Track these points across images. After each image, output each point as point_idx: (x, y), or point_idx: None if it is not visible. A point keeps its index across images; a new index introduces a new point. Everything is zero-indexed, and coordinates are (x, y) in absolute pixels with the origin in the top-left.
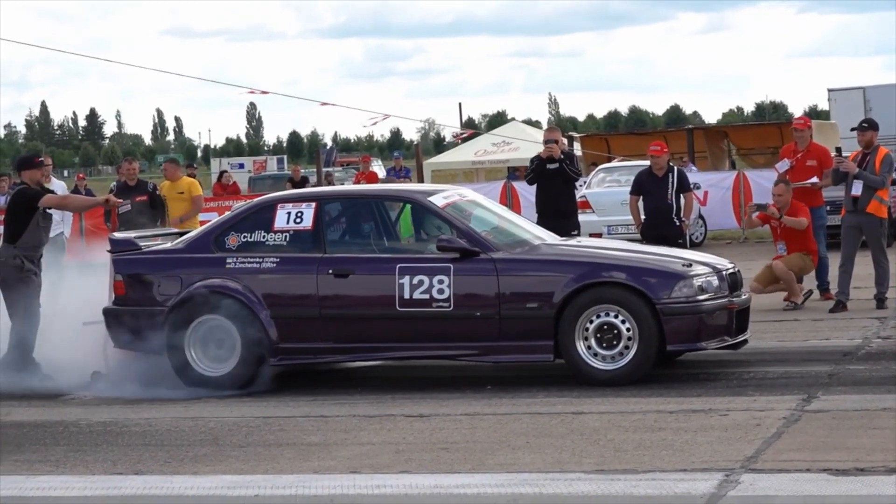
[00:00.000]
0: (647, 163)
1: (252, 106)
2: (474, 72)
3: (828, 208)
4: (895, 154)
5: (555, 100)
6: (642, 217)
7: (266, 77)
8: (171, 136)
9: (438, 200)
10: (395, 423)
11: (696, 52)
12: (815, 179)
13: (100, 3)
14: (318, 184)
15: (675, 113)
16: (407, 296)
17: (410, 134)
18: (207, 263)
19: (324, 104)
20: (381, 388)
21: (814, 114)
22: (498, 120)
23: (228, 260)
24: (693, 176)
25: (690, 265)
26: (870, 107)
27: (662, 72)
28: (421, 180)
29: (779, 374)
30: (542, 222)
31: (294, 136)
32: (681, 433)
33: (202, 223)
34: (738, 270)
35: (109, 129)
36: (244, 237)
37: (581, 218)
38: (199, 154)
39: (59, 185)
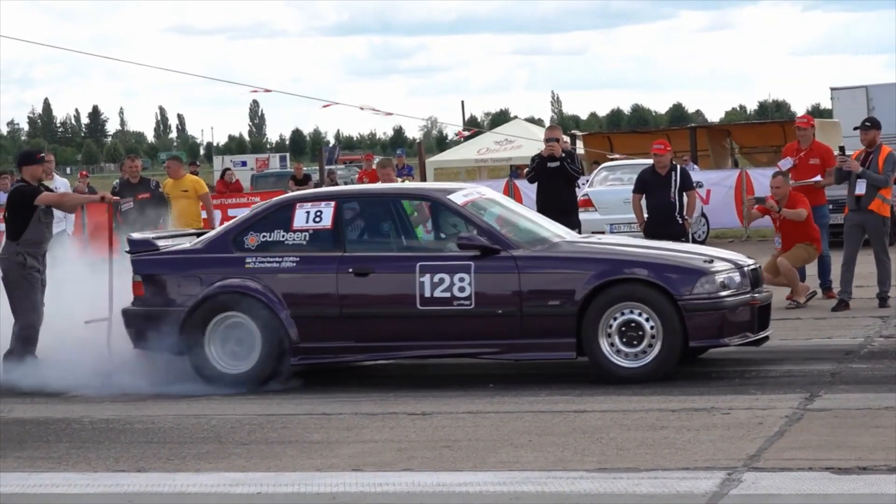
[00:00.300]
0: (650, 161)
1: (255, 104)
2: (477, 70)
3: (830, 207)
4: None
5: (557, 98)
6: (645, 215)
7: (269, 75)
8: (173, 134)
9: (458, 198)
10: (397, 421)
11: (699, 51)
12: (818, 178)
13: (104, 2)
14: (321, 182)
15: (677, 111)
16: (428, 294)
17: (413, 132)
18: (227, 263)
19: (327, 105)
20: (383, 385)
21: (816, 112)
22: (501, 118)
23: (248, 259)
24: (695, 174)
25: (712, 261)
26: (873, 105)
27: (665, 70)
28: (423, 178)
29: (781, 372)
30: None
31: (297, 133)
32: (683, 432)
33: (205, 220)
34: (759, 266)
35: (112, 127)
36: (263, 237)
37: (583, 216)
38: (202, 152)
39: (61, 182)
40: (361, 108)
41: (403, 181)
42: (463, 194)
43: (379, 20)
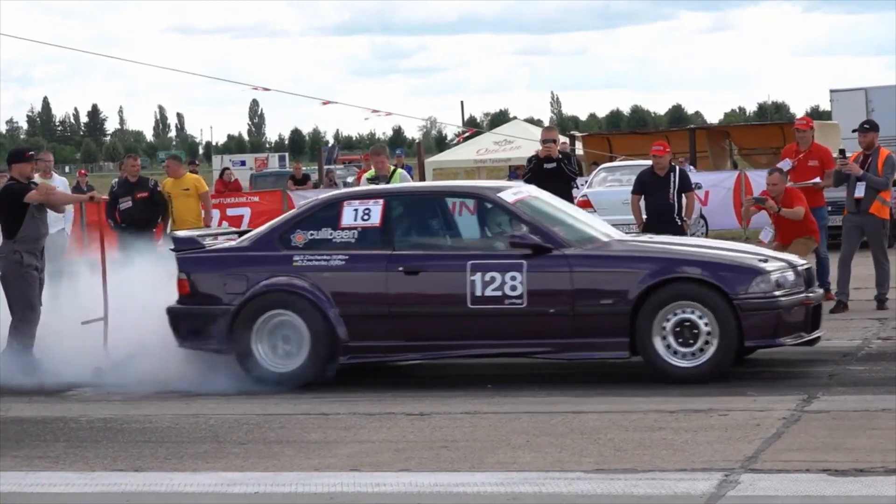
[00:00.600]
0: (649, 162)
1: (255, 103)
2: (477, 70)
3: (829, 209)
4: None
5: (557, 98)
6: (644, 216)
7: (269, 74)
8: (172, 133)
9: (508, 196)
10: (395, 422)
11: (699, 51)
12: (817, 179)
13: (104, 1)
14: (320, 182)
15: (677, 112)
16: (479, 293)
17: (413, 132)
18: (274, 261)
19: (326, 103)
20: (381, 386)
21: (816, 114)
22: (500, 118)
23: (295, 258)
24: (694, 176)
25: (767, 260)
26: (872, 107)
27: (665, 71)
28: (422, 179)
29: (779, 374)
30: None
31: (296, 133)
32: (681, 433)
33: (204, 220)
34: (812, 266)
35: (111, 126)
36: (311, 234)
37: None
38: (201, 151)
39: (60, 181)
40: (366, 119)
41: (395, 168)
42: (512, 192)
43: (380, 20)
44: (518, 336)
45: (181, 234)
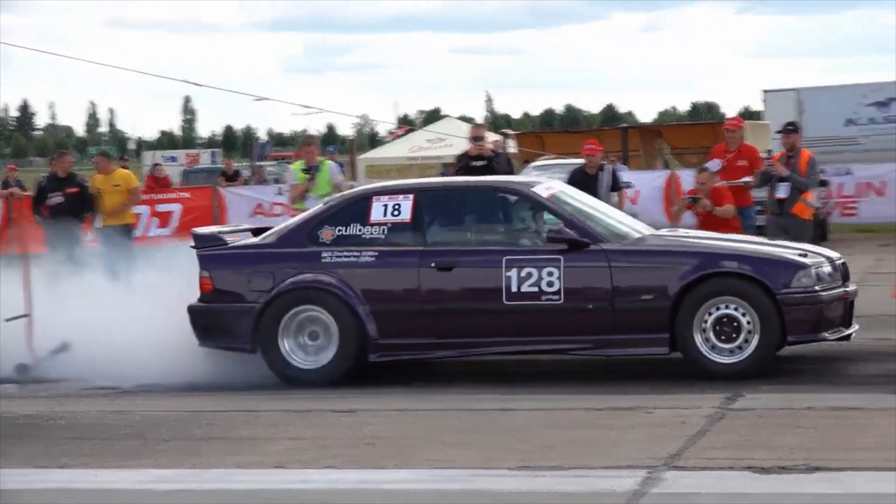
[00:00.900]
0: (581, 161)
1: (187, 99)
2: (412, 68)
3: (757, 209)
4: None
5: (490, 97)
6: None
7: (203, 70)
8: (104, 128)
9: (542, 191)
10: (323, 418)
11: (634, 52)
12: (747, 179)
13: None
14: (252, 178)
15: (610, 112)
16: (515, 289)
17: (346, 129)
18: (302, 258)
19: (259, 99)
20: (310, 383)
21: (747, 114)
22: (434, 116)
23: (324, 254)
24: (626, 174)
25: (806, 255)
26: (803, 108)
27: (599, 70)
28: (354, 176)
29: (703, 373)
30: None
31: (228, 129)
32: (607, 430)
33: (135, 216)
34: (846, 261)
35: (41, 120)
36: (339, 231)
37: None
38: (133, 146)
39: None
40: (293, 114)
41: (325, 161)
42: (545, 187)
43: (315, 17)
44: (555, 333)
45: (202, 231)
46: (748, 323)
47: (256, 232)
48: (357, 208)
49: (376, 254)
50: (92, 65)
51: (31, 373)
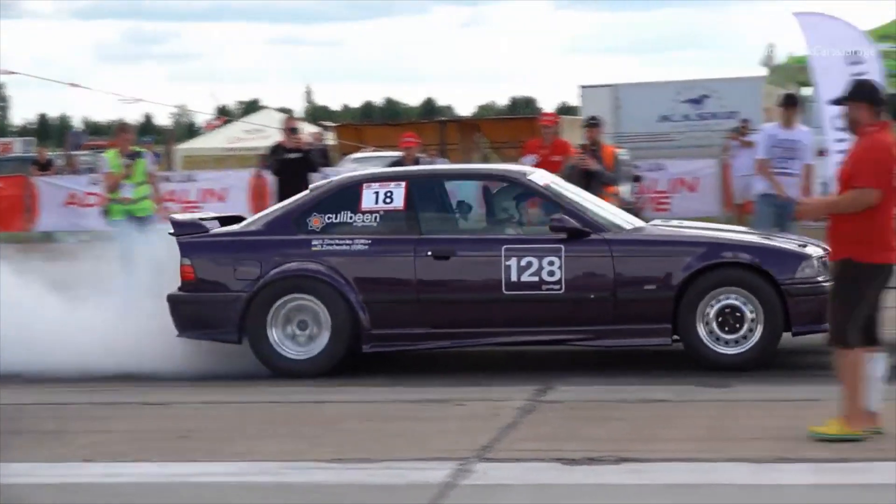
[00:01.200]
0: (401, 153)
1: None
2: (231, 58)
3: None
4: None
5: (309, 89)
6: None
7: (17, 56)
8: None
9: (538, 179)
10: (133, 411)
11: (454, 45)
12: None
13: None
14: (65, 167)
15: (429, 105)
16: (514, 278)
17: (164, 119)
18: (290, 245)
19: (72, 85)
20: (119, 375)
21: (564, 109)
22: (253, 107)
23: (314, 242)
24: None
25: (806, 245)
26: (619, 104)
27: (419, 64)
28: (171, 167)
29: (518, 365)
30: None
31: (43, 118)
32: (418, 423)
33: None
34: None
35: None
36: (328, 218)
37: None
38: None
39: None
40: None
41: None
42: (539, 176)
43: (132, 4)
44: (555, 323)
45: (180, 217)
46: (752, 313)
47: (224, 221)
48: (347, 196)
49: (369, 242)
50: None
51: None
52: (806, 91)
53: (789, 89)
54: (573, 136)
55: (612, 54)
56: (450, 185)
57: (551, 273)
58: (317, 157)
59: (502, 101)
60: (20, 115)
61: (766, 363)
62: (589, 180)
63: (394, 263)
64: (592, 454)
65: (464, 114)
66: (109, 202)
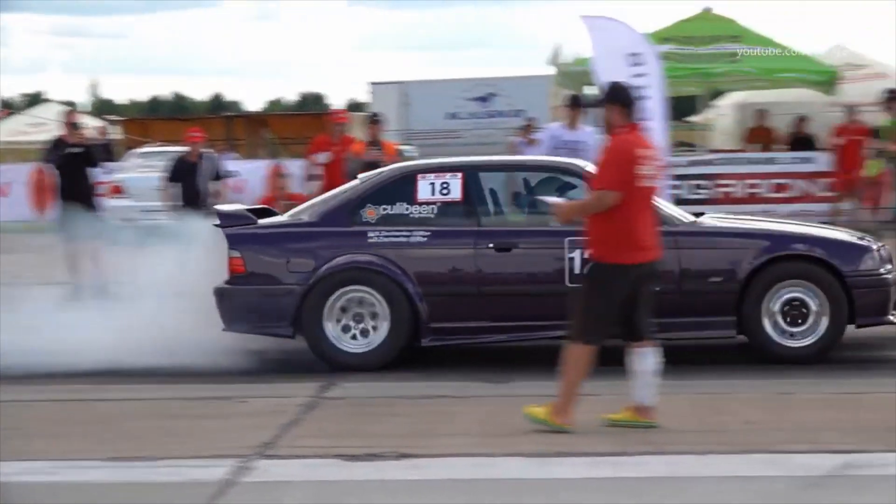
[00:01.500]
0: (187, 148)
1: None
2: (14, 50)
3: None
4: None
5: (95, 82)
6: (177, 202)
7: None
8: None
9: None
10: None
11: (245, 40)
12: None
13: None
14: None
15: (218, 100)
16: (578, 270)
17: None
18: (346, 237)
19: None
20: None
21: (354, 106)
22: (36, 100)
23: (370, 234)
24: (230, 164)
25: (863, 237)
26: (408, 101)
27: (208, 58)
28: None
29: (299, 360)
30: (63, 205)
31: None
32: (200, 420)
33: None
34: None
35: None
36: (384, 210)
37: (115, 203)
38: None
39: None
40: None
41: None
42: (592, 167)
43: None
44: None
45: (227, 208)
46: (817, 307)
47: (254, 212)
48: (402, 187)
49: (428, 234)
50: None
51: None
52: (591, 92)
53: (575, 90)
54: (362, 133)
55: (403, 52)
56: (508, 177)
57: None
58: (99, 153)
59: (291, 96)
60: None
61: (827, 358)
62: None
63: (454, 256)
64: (373, 450)
65: (253, 109)
66: None
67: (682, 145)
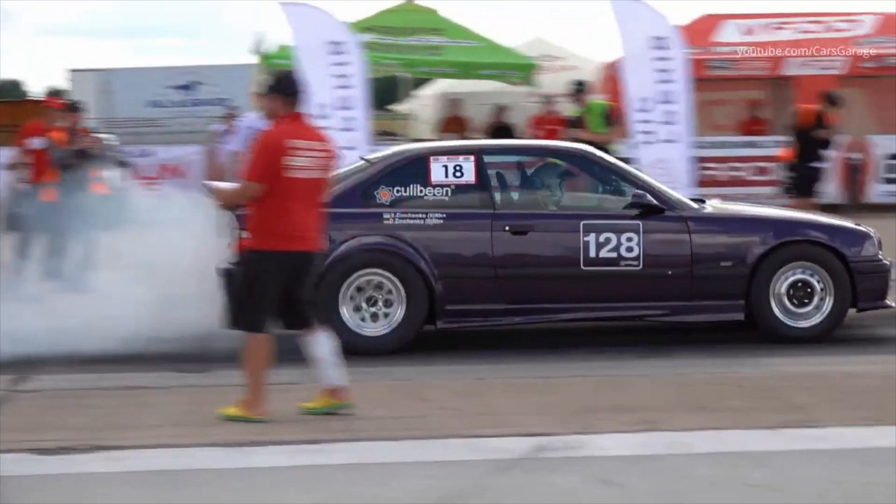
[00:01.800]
0: None
1: None
2: None
3: None
4: None
5: None
6: None
7: None
8: None
9: (606, 156)
10: None
11: None
12: None
13: None
14: None
15: None
16: (593, 254)
17: None
18: (361, 219)
19: None
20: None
21: (53, 93)
22: None
23: (385, 215)
24: None
25: (860, 224)
26: (110, 89)
27: None
28: None
29: None
30: None
31: None
32: None
33: None
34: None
35: None
36: (397, 191)
37: None
38: None
39: None
40: None
41: None
42: (601, 152)
43: None
44: (633, 299)
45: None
46: (822, 290)
47: None
48: (415, 169)
49: (444, 216)
50: None
51: None
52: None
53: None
54: (63, 121)
55: (104, 38)
56: (520, 160)
57: (629, 249)
58: None
59: None
60: None
61: (829, 339)
62: (81, 163)
63: (470, 238)
64: (66, 443)
65: None
66: None
67: (384, 134)
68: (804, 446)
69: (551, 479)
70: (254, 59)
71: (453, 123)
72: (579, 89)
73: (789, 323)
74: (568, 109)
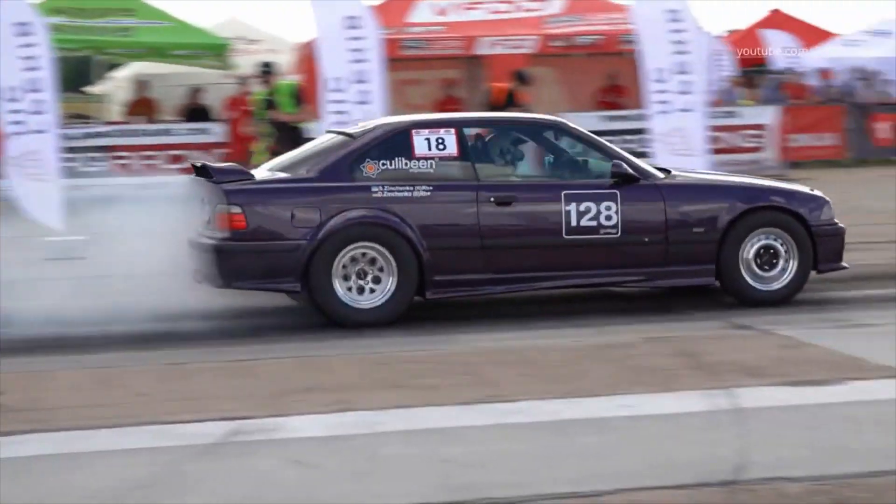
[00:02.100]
0: None
1: None
2: None
3: None
4: None
5: None
6: None
7: None
8: None
9: (581, 127)
10: None
11: None
12: None
13: None
14: None
15: None
16: (574, 223)
17: None
18: (349, 191)
19: None
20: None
21: None
22: None
23: (374, 188)
24: None
25: (814, 189)
26: None
27: None
28: None
29: None
30: None
31: None
32: None
33: None
34: None
35: None
36: (383, 164)
37: None
38: None
39: None
40: None
41: None
42: (574, 125)
43: None
44: (611, 266)
45: (221, 164)
46: (786, 253)
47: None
48: (398, 142)
49: (430, 188)
50: None
51: None
52: None
53: None
54: None
55: None
56: (500, 133)
57: (608, 217)
58: None
59: None
60: None
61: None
62: None
63: (457, 210)
64: None
65: None
66: None
67: (77, 117)
68: (498, 420)
69: (247, 462)
70: None
71: (142, 105)
72: (266, 70)
73: (758, 286)
74: (257, 91)
